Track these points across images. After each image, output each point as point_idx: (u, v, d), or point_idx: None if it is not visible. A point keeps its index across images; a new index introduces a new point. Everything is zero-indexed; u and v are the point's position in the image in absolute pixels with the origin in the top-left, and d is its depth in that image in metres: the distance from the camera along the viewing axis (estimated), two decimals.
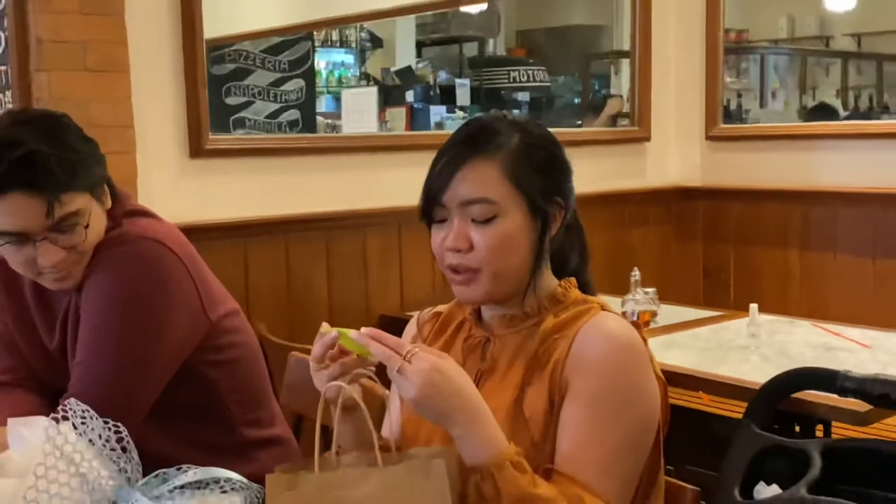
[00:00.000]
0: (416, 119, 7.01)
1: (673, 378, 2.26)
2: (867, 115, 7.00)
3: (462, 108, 7.68)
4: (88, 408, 1.38)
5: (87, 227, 1.64)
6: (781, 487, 1.28)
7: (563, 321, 1.35)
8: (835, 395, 1.78)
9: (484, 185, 1.32)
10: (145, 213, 1.78)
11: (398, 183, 3.14)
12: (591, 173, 3.73)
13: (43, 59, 2.53)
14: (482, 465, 1.19)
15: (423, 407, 1.19)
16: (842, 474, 1.26)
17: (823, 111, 6.73)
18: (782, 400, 1.39)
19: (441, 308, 1.56)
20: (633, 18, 4.01)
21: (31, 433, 1.42)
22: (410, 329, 1.58)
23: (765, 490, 1.29)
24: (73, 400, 1.39)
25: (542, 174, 1.35)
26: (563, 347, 1.32)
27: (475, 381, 1.37)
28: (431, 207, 1.35)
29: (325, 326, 1.26)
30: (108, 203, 1.71)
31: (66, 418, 1.36)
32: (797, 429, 2.04)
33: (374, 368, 1.27)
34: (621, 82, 7.95)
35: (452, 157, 1.33)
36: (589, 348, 1.30)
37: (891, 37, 7.08)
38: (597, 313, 1.35)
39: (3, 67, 2.66)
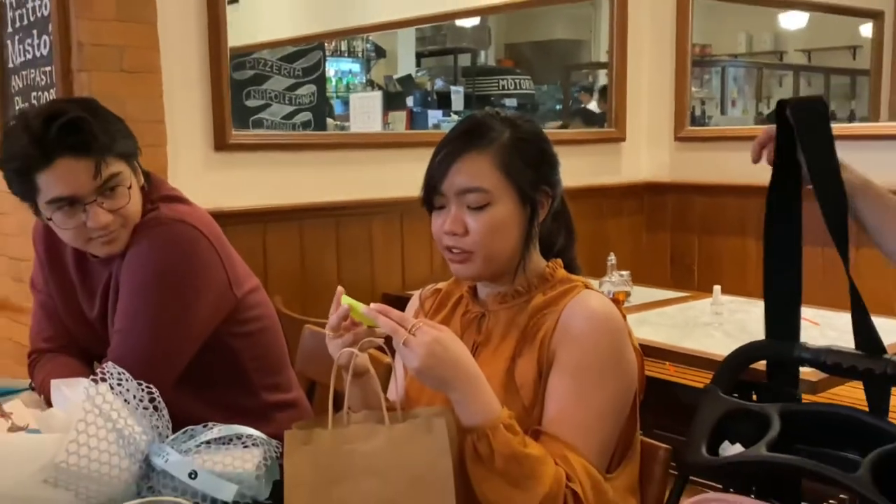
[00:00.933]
0: (415, 122, 7.00)
1: (644, 351, 2.24)
2: None
3: (456, 113, 7.67)
4: (124, 371, 1.37)
5: (129, 188, 1.62)
6: (744, 446, 1.27)
7: (550, 298, 1.35)
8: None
9: (478, 175, 1.31)
10: (180, 199, 1.76)
11: (400, 176, 3.13)
12: (572, 170, 3.68)
13: (84, 61, 2.51)
14: (478, 427, 1.19)
15: (426, 375, 1.19)
16: (798, 435, 1.26)
17: None
18: (745, 368, 1.39)
19: (441, 285, 1.55)
20: (610, 33, 4.00)
21: (73, 393, 1.42)
22: (413, 303, 1.58)
23: (729, 448, 1.28)
24: (110, 363, 1.38)
25: (530, 166, 1.35)
26: (551, 322, 1.31)
27: (472, 351, 1.36)
28: (431, 196, 1.35)
29: (344, 297, 1.26)
30: (142, 180, 1.69)
31: (104, 380, 1.35)
32: (754, 397, 2.03)
33: (382, 339, 1.26)
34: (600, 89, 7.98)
35: (450, 150, 1.33)
36: (574, 323, 1.29)
37: (837, 52, 7.11)
38: (581, 291, 1.35)
39: (48, 68, 2.64)
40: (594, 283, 2.84)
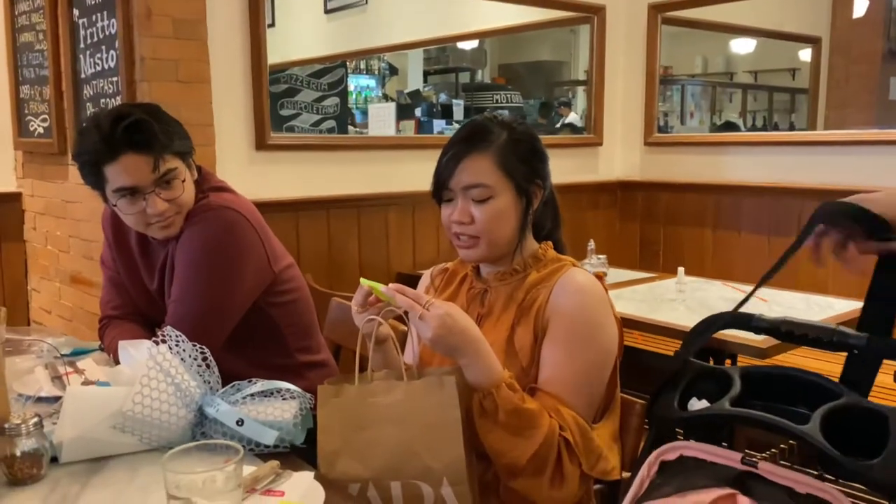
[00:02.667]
0: (422, 130, 6.97)
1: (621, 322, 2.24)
2: (763, 129, 7.01)
3: (458, 122, 7.64)
4: (181, 334, 1.35)
5: (183, 181, 1.60)
6: (710, 402, 1.25)
7: (543, 276, 1.34)
8: (741, 335, 1.74)
9: (480, 173, 1.30)
10: (226, 189, 1.74)
11: (412, 173, 3.11)
12: (557, 169, 3.63)
13: (145, 73, 2.48)
14: (484, 387, 1.18)
15: (438, 344, 1.18)
16: (756, 393, 1.24)
17: (729, 127, 6.72)
18: (710, 335, 1.36)
19: (448, 265, 1.54)
20: (591, 55, 3.97)
21: (137, 353, 1.40)
22: (425, 280, 1.56)
23: (697, 404, 1.26)
24: (168, 328, 1.36)
25: (525, 162, 1.33)
26: (544, 296, 1.30)
27: (476, 322, 1.35)
28: (441, 190, 1.34)
29: (363, 280, 1.25)
30: (195, 174, 1.68)
31: (163, 342, 1.33)
32: (711, 361, 2.01)
33: (401, 310, 1.25)
34: (577, 104, 7.94)
35: (455, 152, 1.32)
36: (563, 296, 1.28)
37: (779, 73, 7.11)
38: (569, 269, 1.33)
39: (114, 78, 2.61)
40: None
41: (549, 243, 1.40)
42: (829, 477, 1.14)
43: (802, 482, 1.11)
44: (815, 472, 1.12)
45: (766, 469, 1.16)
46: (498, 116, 1.37)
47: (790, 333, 1.24)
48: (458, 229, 1.32)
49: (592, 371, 1.27)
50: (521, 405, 1.18)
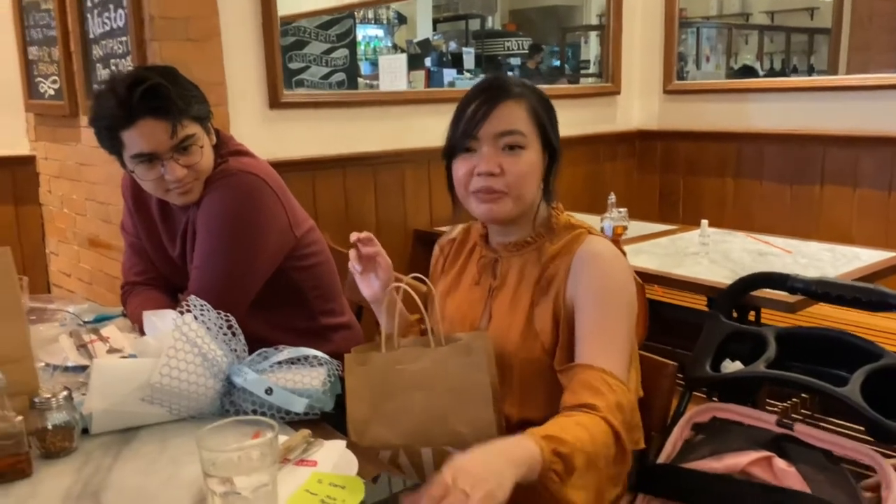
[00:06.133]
0: (432, 80, 6.86)
1: (643, 277, 2.20)
2: (781, 73, 6.87)
3: (469, 71, 7.52)
4: (206, 303, 1.34)
5: (201, 147, 1.58)
6: (743, 364, 1.23)
7: (558, 249, 1.28)
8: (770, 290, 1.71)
9: (516, 119, 1.25)
10: (246, 153, 1.71)
11: (427, 129, 3.06)
12: (575, 120, 3.64)
13: (154, 32, 2.42)
14: (537, 466, 0.99)
15: (485, 480, 0.91)
16: (791, 354, 1.22)
17: (747, 71, 6.57)
18: (743, 296, 1.34)
19: (454, 234, 1.50)
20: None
21: (163, 323, 1.39)
22: (436, 253, 1.52)
23: (730, 366, 1.24)
24: (193, 297, 1.35)
25: (549, 120, 1.29)
26: (562, 273, 1.26)
27: (488, 295, 1.32)
28: (465, 139, 1.26)
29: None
30: (213, 139, 1.65)
31: (188, 311, 1.32)
32: (735, 315, 1.98)
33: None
34: (590, 49, 7.79)
35: (486, 98, 1.26)
36: (585, 271, 1.24)
37: (796, 13, 6.93)
38: (585, 238, 1.28)
39: (124, 38, 2.55)
40: (596, 218, 2.80)
41: (560, 206, 1.35)
42: (868, 438, 1.12)
43: (840, 444, 1.10)
44: (853, 434, 1.10)
45: (803, 431, 1.14)
46: (513, 77, 1.33)
47: (827, 295, 1.21)
48: (483, 183, 1.25)
49: (625, 333, 1.23)
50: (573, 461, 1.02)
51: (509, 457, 0.96)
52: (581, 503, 1.06)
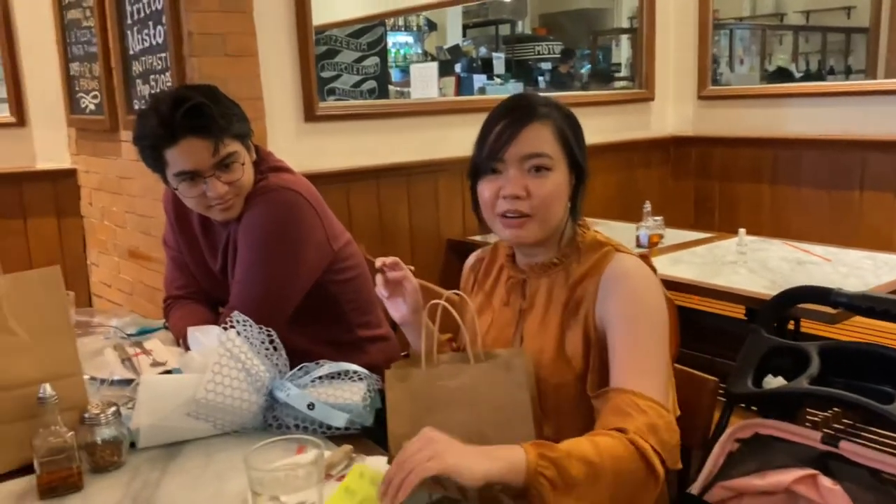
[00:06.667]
0: (462, 85, 6.88)
1: (681, 287, 2.19)
2: (818, 75, 6.75)
3: (499, 76, 7.52)
4: (248, 318, 1.36)
5: (242, 164, 1.60)
6: (786, 380, 1.22)
7: (586, 270, 1.26)
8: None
9: (542, 142, 1.24)
10: (285, 169, 1.73)
11: (460, 138, 3.05)
12: (608, 126, 3.63)
13: (193, 48, 2.47)
14: (528, 479, 0.96)
15: (446, 452, 0.94)
16: (835, 370, 1.20)
17: (782, 73, 6.48)
18: (785, 311, 1.32)
19: (481, 254, 1.49)
20: (640, 2, 3.83)
21: (207, 339, 1.42)
22: (465, 273, 1.51)
23: (772, 381, 1.23)
24: (235, 312, 1.37)
25: (576, 141, 1.28)
26: (591, 295, 1.23)
27: (518, 317, 1.32)
28: (490, 161, 1.25)
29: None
30: (254, 155, 1.67)
31: (232, 327, 1.34)
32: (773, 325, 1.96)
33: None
34: (621, 53, 7.74)
35: (512, 120, 1.25)
36: (614, 290, 1.21)
37: (832, 13, 6.81)
38: (613, 256, 1.25)
39: (163, 54, 2.61)
40: (631, 227, 2.78)
41: (585, 222, 1.33)
42: None
43: (889, 463, 1.08)
44: None
45: (849, 449, 1.13)
46: (538, 95, 1.31)
47: (871, 310, 1.20)
48: (509, 205, 1.24)
49: (660, 353, 1.20)
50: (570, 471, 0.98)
51: (487, 451, 0.96)
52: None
